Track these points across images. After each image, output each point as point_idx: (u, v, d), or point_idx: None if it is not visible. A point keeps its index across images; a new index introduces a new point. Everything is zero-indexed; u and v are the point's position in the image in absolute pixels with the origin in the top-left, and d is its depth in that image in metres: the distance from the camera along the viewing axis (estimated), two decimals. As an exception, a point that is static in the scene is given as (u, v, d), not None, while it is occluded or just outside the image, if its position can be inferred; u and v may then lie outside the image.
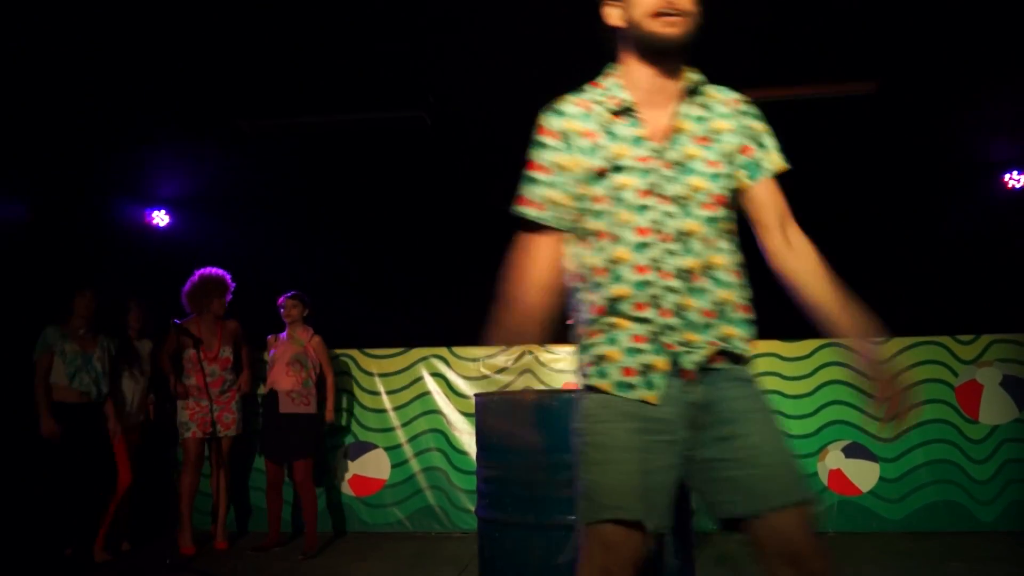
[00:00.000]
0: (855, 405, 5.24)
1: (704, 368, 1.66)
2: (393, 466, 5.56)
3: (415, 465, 5.53)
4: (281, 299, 5.07)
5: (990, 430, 5.24)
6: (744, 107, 1.78)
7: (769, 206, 1.75)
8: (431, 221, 7.58)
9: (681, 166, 1.69)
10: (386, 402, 5.64)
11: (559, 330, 5.86)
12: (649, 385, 1.63)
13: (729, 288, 1.70)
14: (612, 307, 1.68)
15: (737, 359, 1.69)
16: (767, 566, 1.60)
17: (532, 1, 4.19)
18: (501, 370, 5.59)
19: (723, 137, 1.73)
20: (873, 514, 5.13)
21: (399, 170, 6.99)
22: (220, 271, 5.13)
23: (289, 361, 4.89)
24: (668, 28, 1.63)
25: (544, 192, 1.74)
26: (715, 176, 1.70)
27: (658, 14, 1.63)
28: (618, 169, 1.68)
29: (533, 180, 1.76)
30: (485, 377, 5.59)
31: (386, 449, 5.59)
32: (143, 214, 7.16)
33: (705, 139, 1.71)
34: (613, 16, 1.74)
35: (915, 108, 5.49)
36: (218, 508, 5.05)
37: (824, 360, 5.38)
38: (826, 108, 4.94)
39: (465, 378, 5.60)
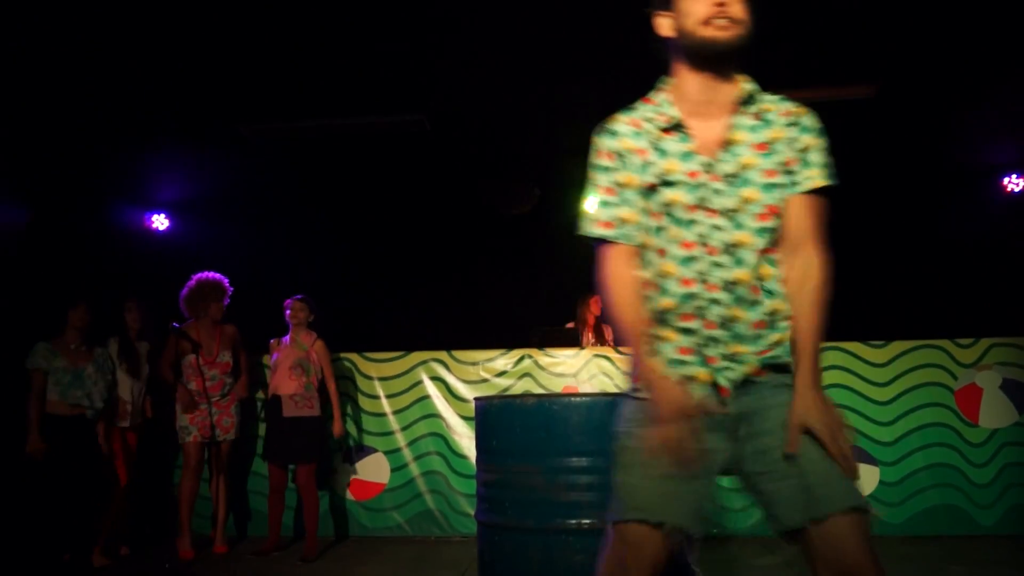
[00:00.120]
0: (854, 408, 5.24)
1: (745, 382, 1.67)
2: (393, 470, 5.55)
3: (415, 469, 5.52)
4: (289, 301, 5.06)
5: (990, 434, 5.23)
6: (799, 118, 1.74)
7: (793, 222, 1.70)
8: (430, 225, 7.59)
9: (734, 177, 1.68)
10: (386, 406, 5.63)
11: (558, 335, 5.79)
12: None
13: (782, 299, 1.69)
14: (659, 318, 1.72)
15: (782, 369, 1.68)
16: None
17: (531, 6, 4.20)
18: (500, 374, 5.59)
19: (778, 147, 1.71)
20: (873, 518, 5.11)
21: (399, 174, 7.00)
22: (217, 275, 5.13)
23: (292, 366, 4.89)
24: (719, 32, 1.64)
25: (613, 212, 1.78)
26: (769, 186, 1.69)
27: (709, 21, 1.64)
28: (668, 184, 1.70)
29: (602, 202, 1.80)
30: (485, 381, 5.58)
31: (386, 453, 5.58)
32: (143, 218, 7.17)
33: (763, 146, 1.70)
34: (664, 26, 1.75)
35: (915, 112, 5.50)
36: (217, 512, 5.05)
37: (822, 364, 5.37)
38: (826, 112, 4.94)
39: (465, 382, 5.59)
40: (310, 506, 4.81)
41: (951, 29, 4.45)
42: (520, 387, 5.54)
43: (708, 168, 1.69)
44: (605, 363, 5.55)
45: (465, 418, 5.48)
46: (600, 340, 6.42)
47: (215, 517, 5.05)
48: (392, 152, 6.42)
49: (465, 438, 5.47)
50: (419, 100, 5.37)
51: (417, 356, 5.67)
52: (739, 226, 1.67)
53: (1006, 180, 6.81)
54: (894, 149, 6.14)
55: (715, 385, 1.67)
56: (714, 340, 1.67)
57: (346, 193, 7.37)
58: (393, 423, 5.60)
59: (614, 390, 5.43)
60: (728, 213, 1.67)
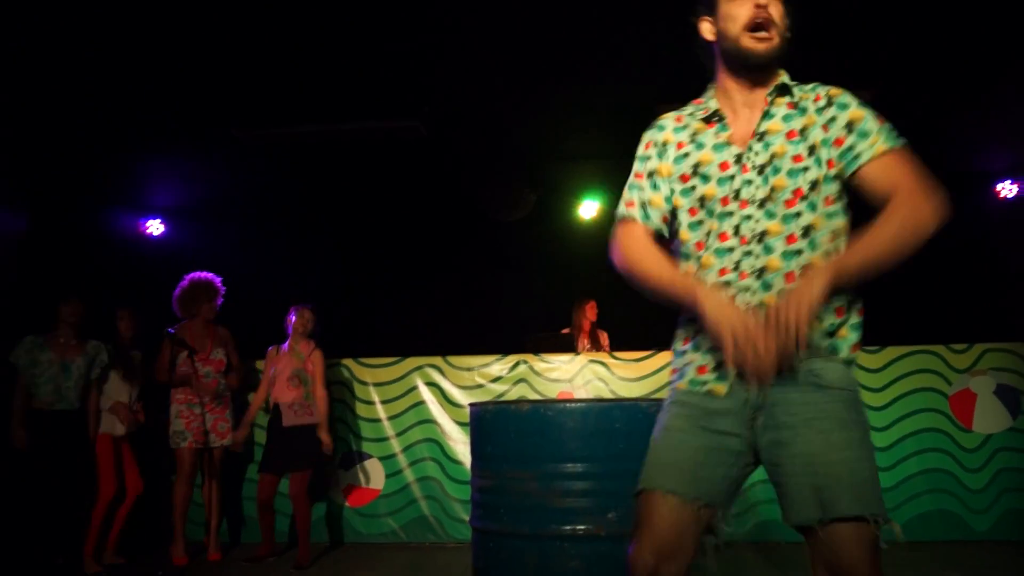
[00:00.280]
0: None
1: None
2: (387, 476, 5.54)
3: (409, 475, 5.51)
4: (298, 309, 5.03)
5: (984, 439, 5.25)
6: (833, 99, 1.77)
7: (877, 188, 1.70)
8: (426, 230, 7.59)
9: (765, 167, 1.73)
10: (381, 411, 5.63)
11: (553, 340, 5.80)
12: (719, 379, 1.72)
13: None
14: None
15: (816, 353, 1.67)
16: None
17: (527, 13, 4.21)
18: (496, 379, 5.58)
19: (810, 132, 1.74)
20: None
21: (394, 179, 7.00)
22: (210, 275, 5.12)
23: (290, 376, 4.88)
24: (758, 44, 1.72)
25: (639, 195, 1.89)
26: (796, 171, 1.72)
27: (749, 28, 1.72)
28: (703, 178, 1.77)
29: (632, 186, 1.91)
30: (480, 387, 5.58)
31: (380, 459, 5.57)
32: (137, 223, 7.16)
33: (792, 134, 1.74)
34: (707, 31, 1.83)
35: (909, 118, 5.51)
36: (211, 519, 5.03)
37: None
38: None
39: (460, 387, 5.59)
40: (302, 515, 4.78)
41: (947, 35, 4.47)
42: (515, 393, 5.53)
43: (739, 159, 1.75)
44: (600, 369, 5.56)
45: (460, 424, 5.47)
46: (596, 345, 6.42)
47: (208, 524, 5.03)
48: (388, 157, 6.43)
49: (460, 444, 5.46)
50: (415, 105, 5.38)
51: (412, 361, 5.67)
52: (770, 215, 1.71)
53: (999, 186, 6.85)
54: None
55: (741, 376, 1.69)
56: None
57: (342, 198, 7.37)
58: (388, 429, 5.59)
59: (609, 396, 5.43)
60: (759, 203, 1.72)
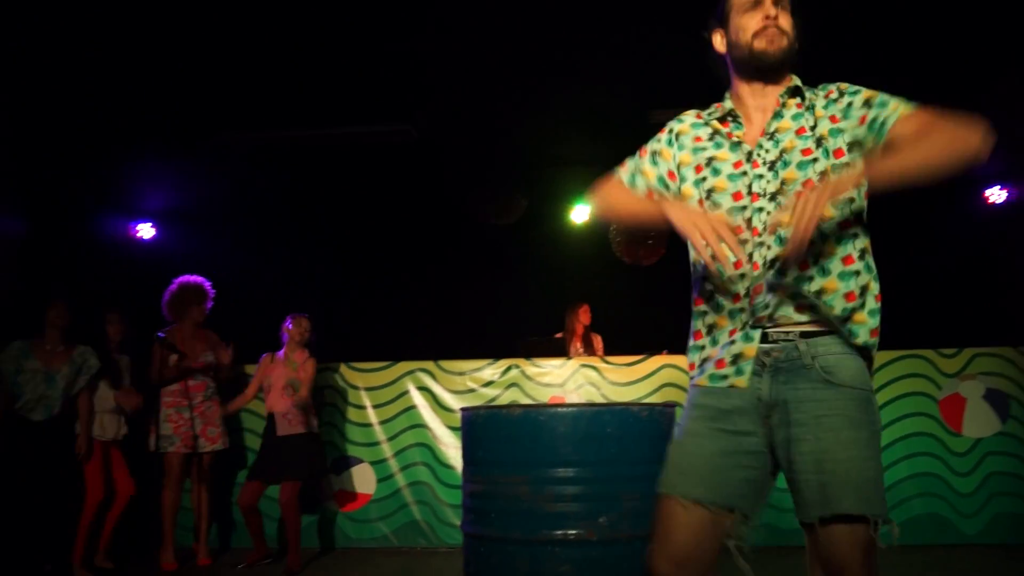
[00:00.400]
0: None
1: (781, 368, 1.71)
2: (379, 481, 5.52)
3: (401, 480, 5.50)
4: (295, 317, 5.00)
5: (973, 443, 5.27)
6: (845, 89, 1.83)
7: (903, 138, 1.71)
8: (417, 235, 7.58)
9: (776, 162, 1.78)
10: (372, 416, 5.61)
11: (545, 345, 5.79)
12: (739, 372, 1.75)
13: (837, 278, 1.73)
14: (714, 303, 1.82)
15: (827, 338, 1.71)
16: (811, 574, 1.65)
17: (518, 18, 4.22)
18: (487, 384, 5.58)
19: (819, 125, 1.80)
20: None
21: (385, 184, 7.00)
22: (199, 278, 5.10)
23: (284, 386, 4.86)
24: (768, 45, 1.79)
25: (634, 164, 1.99)
26: (805, 163, 1.76)
27: (757, 33, 1.80)
28: (715, 171, 1.83)
29: (633, 157, 2.00)
30: (471, 391, 5.57)
31: (372, 463, 5.55)
32: (127, 227, 7.13)
33: (802, 130, 1.80)
34: (719, 43, 1.91)
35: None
36: (200, 524, 5.00)
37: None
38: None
39: (451, 392, 5.58)
40: (292, 522, 4.74)
41: (934, 41, 4.51)
42: (507, 397, 5.53)
43: (749, 157, 1.80)
44: (592, 373, 5.56)
45: (452, 428, 5.46)
46: (589, 350, 6.43)
47: (197, 529, 5.00)
48: (379, 162, 6.43)
49: (452, 448, 5.45)
50: (406, 110, 5.39)
51: (404, 366, 5.66)
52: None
53: (988, 192, 6.89)
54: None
55: (762, 363, 1.73)
56: (760, 306, 1.73)
57: (333, 202, 7.36)
58: (379, 433, 5.58)
59: (601, 400, 5.43)
60: (771, 196, 1.76)
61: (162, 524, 4.83)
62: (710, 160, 1.85)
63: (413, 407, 5.58)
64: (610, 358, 5.66)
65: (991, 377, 5.33)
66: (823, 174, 1.74)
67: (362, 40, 4.43)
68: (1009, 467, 5.22)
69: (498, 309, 7.10)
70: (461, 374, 5.61)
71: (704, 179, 1.84)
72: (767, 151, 1.79)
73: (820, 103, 1.83)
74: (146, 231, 7.17)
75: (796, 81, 1.86)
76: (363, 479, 5.54)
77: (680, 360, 5.47)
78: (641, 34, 4.19)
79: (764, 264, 1.73)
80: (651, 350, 5.61)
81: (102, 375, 4.85)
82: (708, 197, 1.82)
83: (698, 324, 1.87)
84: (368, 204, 7.37)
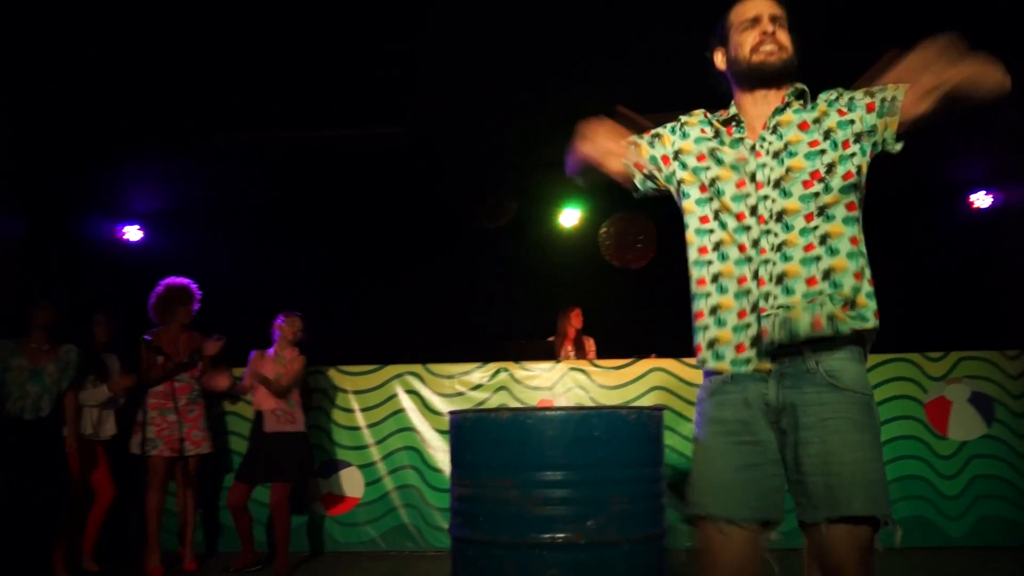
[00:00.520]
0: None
1: (787, 374, 1.74)
2: (367, 484, 5.50)
3: (389, 483, 5.48)
4: (288, 315, 4.97)
5: (959, 446, 5.31)
6: (841, 91, 1.91)
7: (921, 90, 1.79)
8: (407, 237, 7.58)
9: (780, 152, 1.83)
10: (360, 419, 5.59)
11: (534, 348, 5.78)
12: (761, 355, 1.77)
13: (845, 258, 1.76)
14: (720, 286, 1.83)
15: (834, 341, 1.73)
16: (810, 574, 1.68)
17: (509, 21, 4.23)
18: (476, 387, 5.57)
19: (824, 119, 1.85)
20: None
21: (376, 187, 6.99)
22: (185, 280, 5.07)
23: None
24: (768, 56, 1.86)
25: (637, 134, 2.07)
26: (813, 154, 1.81)
27: (755, 47, 1.86)
28: (717, 161, 1.89)
29: (637, 130, 2.09)
30: (460, 394, 5.57)
31: (360, 467, 5.53)
32: (115, 229, 7.08)
33: (805, 125, 1.85)
34: (720, 61, 1.99)
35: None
36: (186, 528, 4.96)
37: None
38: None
39: (440, 395, 5.57)
40: (281, 525, 4.72)
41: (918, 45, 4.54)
42: (495, 400, 5.53)
43: (752, 149, 1.86)
44: (580, 376, 5.56)
45: (440, 432, 5.45)
46: (581, 353, 6.43)
47: (183, 533, 4.97)
48: (369, 164, 6.42)
49: (440, 452, 5.44)
50: (397, 113, 5.38)
51: (392, 369, 5.64)
52: (786, 195, 1.79)
53: (973, 197, 6.95)
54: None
55: (770, 351, 1.75)
56: (768, 295, 1.76)
57: (322, 205, 7.34)
58: (367, 437, 5.56)
59: (589, 403, 5.44)
60: (776, 183, 1.80)
61: (147, 528, 4.80)
62: (713, 151, 1.91)
63: (401, 410, 5.57)
64: (599, 361, 5.67)
65: (977, 380, 5.38)
66: (831, 165, 1.79)
67: (354, 43, 4.43)
68: (994, 470, 5.26)
69: (487, 312, 7.10)
70: (450, 377, 5.60)
71: (707, 168, 1.90)
72: (770, 143, 1.85)
73: (822, 100, 1.89)
74: (133, 233, 7.13)
75: (801, 86, 1.91)
76: (351, 483, 5.52)
77: (669, 363, 5.48)
78: (633, 38, 4.21)
79: (772, 249, 1.77)
80: (640, 353, 5.62)
81: (90, 374, 4.82)
82: (711, 185, 1.88)
83: (700, 304, 1.88)
84: (358, 207, 7.36)
